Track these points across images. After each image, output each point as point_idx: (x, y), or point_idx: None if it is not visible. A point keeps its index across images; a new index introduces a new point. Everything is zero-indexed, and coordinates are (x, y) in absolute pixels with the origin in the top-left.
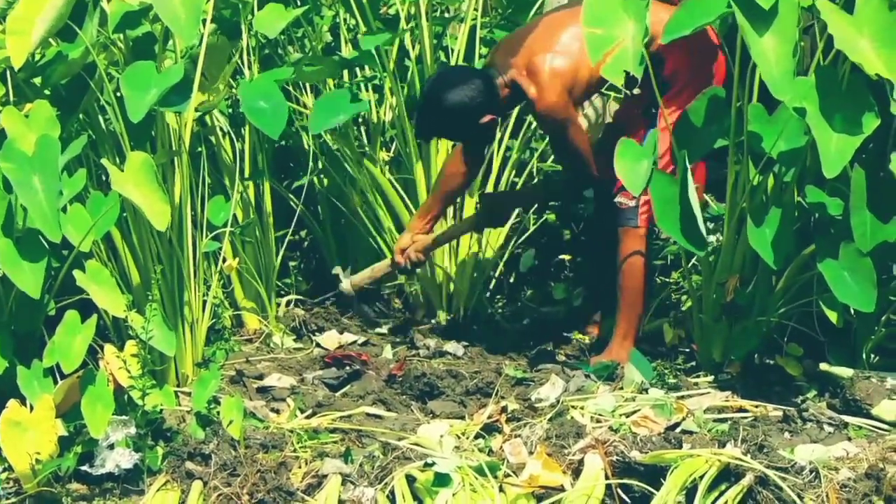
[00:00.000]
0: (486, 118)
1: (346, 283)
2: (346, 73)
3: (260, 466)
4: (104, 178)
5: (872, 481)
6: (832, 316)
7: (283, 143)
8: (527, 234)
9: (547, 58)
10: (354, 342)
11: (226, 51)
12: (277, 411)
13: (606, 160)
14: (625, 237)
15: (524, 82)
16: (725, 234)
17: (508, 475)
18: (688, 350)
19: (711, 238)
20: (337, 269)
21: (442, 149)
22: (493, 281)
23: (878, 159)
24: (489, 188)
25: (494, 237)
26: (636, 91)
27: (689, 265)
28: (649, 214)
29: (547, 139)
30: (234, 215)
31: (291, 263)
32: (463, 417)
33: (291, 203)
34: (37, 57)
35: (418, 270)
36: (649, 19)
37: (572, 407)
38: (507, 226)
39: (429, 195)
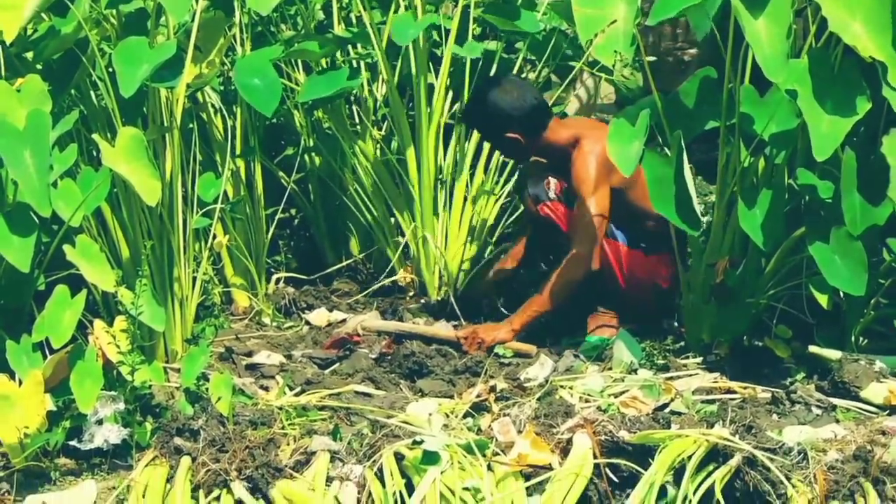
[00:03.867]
0: (513, 134)
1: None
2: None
3: (248, 443)
4: (95, 153)
5: (860, 463)
6: (821, 299)
7: (274, 120)
8: (518, 213)
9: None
10: (343, 320)
11: (220, 25)
12: (266, 388)
13: None
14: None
15: (582, 134)
16: (716, 216)
17: (497, 454)
18: (677, 331)
19: (703, 220)
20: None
21: (434, 129)
22: (484, 261)
23: (869, 142)
24: None
25: (486, 216)
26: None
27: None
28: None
29: None
30: (225, 192)
31: (281, 241)
32: (452, 396)
33: (282, 181)
34: (29, 31)
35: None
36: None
37: (561, 387)
38: (497, 206)
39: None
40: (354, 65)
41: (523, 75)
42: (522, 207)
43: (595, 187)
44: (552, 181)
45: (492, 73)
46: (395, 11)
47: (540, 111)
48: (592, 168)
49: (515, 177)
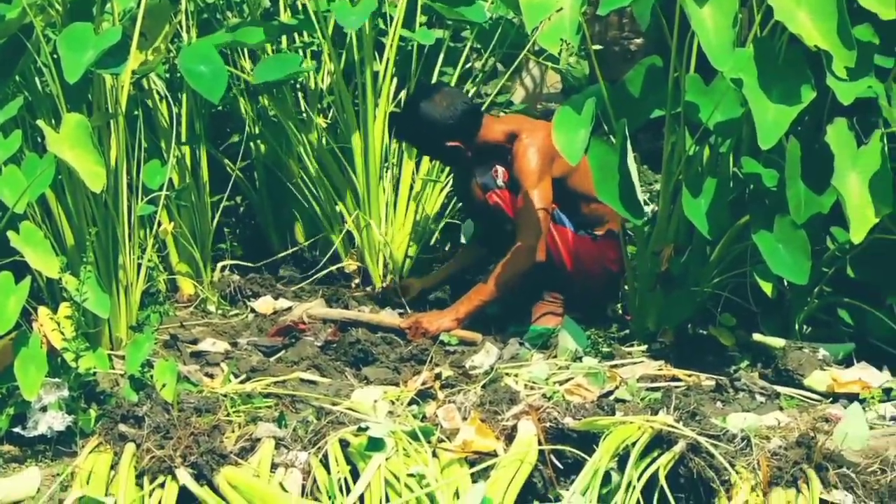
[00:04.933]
0: (452, 143)
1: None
2: (283, 38)
3: (193, 429)
4: (40, 140)
5: (803, 449)
6: (766, 287)
7: (220, 108)
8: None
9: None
10: (289, 308)
11: (166, 12)
12: (211, 376)
13: None
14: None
15: (519, 129)
16: (661, 204)
17: (442, 440)
18: (622, 319)
19: (648, 208)
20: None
21: (380, 117)
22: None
23: (813, 131)
24: None
25: (430, 205)
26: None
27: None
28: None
29: None
30: (171, 179)
31: (227, 229)
32: (397, 384)
33: (228, 168)
34: None
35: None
36: None
37: (506, 374)
38: (442, 195)
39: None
40: (301, 52)
41: (469, 64)
42: (460, 203)
43: (538, 179)
44: (500, 169)
45: (438, 62)
46: None
47: (472, 114)
48: (533, 160)
49: (447, 172)
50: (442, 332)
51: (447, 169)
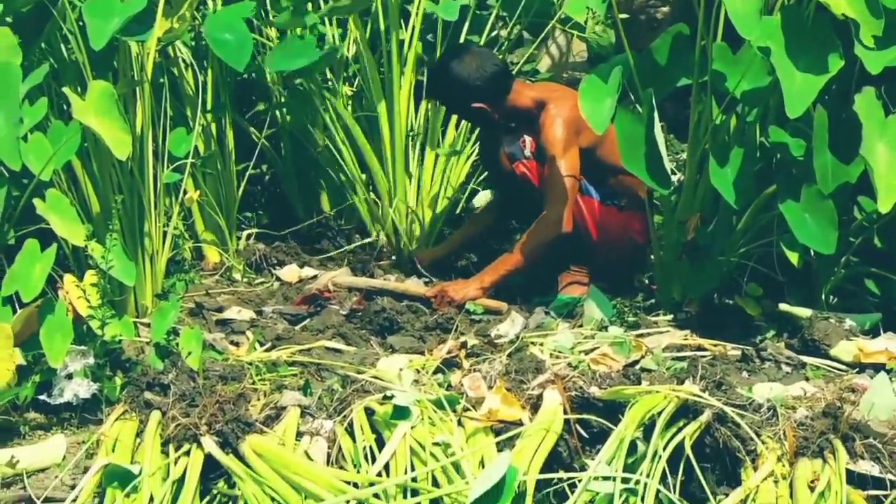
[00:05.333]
0: (478, 104)
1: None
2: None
3: (219, 397)
4: (66, 107)
5: (829, 419)
6: (792, 257)
7: (245, 76)
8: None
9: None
10: (314, 276)
11: None
12: (237, 344)
13: None
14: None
15: (548, 97)
16: (687, 174)
17: (467, 409)
18: (648, 289)
19: (674, 178)
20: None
21: (405, 85)
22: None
23: (841, 101)
24: None
25: (455, 175)
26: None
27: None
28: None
29: None
30: (196, 147)
31: (252, 197)
32: (422, 353)
33: (253, 137)
34: None
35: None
36: None
37: (532, 343)
38: (468, 164)
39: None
40: (326, 21)
41: (495, 32)
42: (484, 172)
43: (564, 149)
44: (527, 139)
45: (464, 30)
46: None
47: (501, 77)
48: (560, 130)
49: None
50: (468, 300)
51: (472, 139)
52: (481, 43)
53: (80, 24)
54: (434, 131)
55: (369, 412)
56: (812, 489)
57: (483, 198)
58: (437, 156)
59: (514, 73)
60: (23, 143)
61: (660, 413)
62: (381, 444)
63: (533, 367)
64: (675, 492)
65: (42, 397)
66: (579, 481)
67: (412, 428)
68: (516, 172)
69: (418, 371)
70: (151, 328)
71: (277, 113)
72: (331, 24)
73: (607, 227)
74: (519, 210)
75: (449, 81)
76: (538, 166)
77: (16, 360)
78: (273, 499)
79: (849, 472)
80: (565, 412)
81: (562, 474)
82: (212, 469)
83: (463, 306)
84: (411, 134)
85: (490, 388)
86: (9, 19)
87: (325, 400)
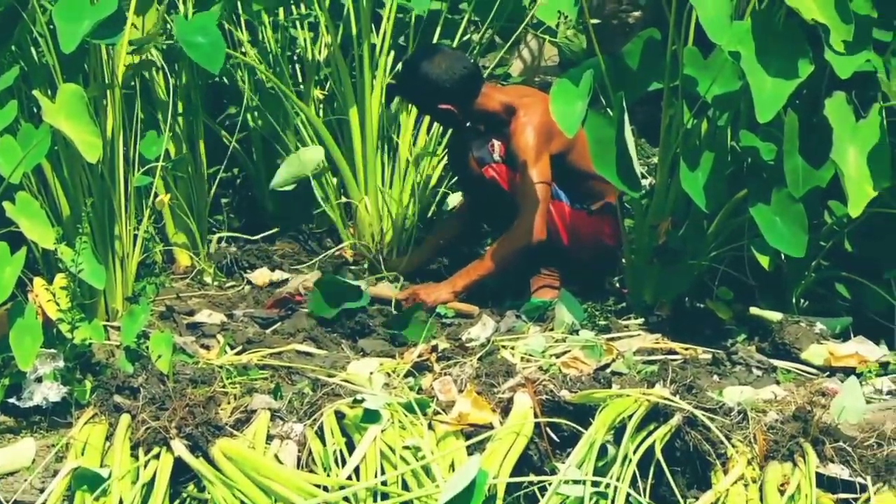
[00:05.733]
0: (445, 105)
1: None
2: (280, 10)
3: (189, 401)
4: (36, 110)
5: (800, 423)
6: (763, 260)
7: (217, 79)
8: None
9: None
10: (285, 280)
11: None
12: (207, 347)
13: None
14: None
15: (518, 103)
16: (658, 178)
17: (438, 413)
18: (619, 292)
19: (645, 181)
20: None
21: (377, 90)
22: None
23: (811, 105)
24: None
25: (426, 178)
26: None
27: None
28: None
29: None
30: (167, 150)
31: (224, 200)
32: (393, 356)
33: (224, 140)
34: None
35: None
36: None
37: (503, 347)
38: (440, 167)
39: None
40: (297, 25)
41: (467, 36)
42: (454, 176)
43: (536, 157)
44: (496, 143)
45: (436, 34)
46: None
47: (471, 80)
48: (532, 137)
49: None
50: (439, 304)
51: (443, 143)
52: (454, 47)
53: (51, 27)
54: (405, 135)
55: (340, 416)
56: (782, 493)
57: (456, 200)
58: (408, 160)
59: (484, 76)
60: None
61: (630, 416)
62: (351, 447)
63: (504, 370)
64: (645, 495)
65: (11, 400)
66: (549, 485)
67: (382, 431)
68: (485, 176)
69: (389, 375)
70: (122, 331)
71: (249, 116)
72: (302, 27)
73: (578, 231)
74: (488, 214)
75: (417, 81)
76: (507, 170)
77: None
78: (243, 502)
79: (819, 475)
80: (536, 416)
81: (532, 478)
82: (182, 472)
83: (434, 309)
84: (383, 137)
85: (461, 391)
86: None
87: (296, 403)
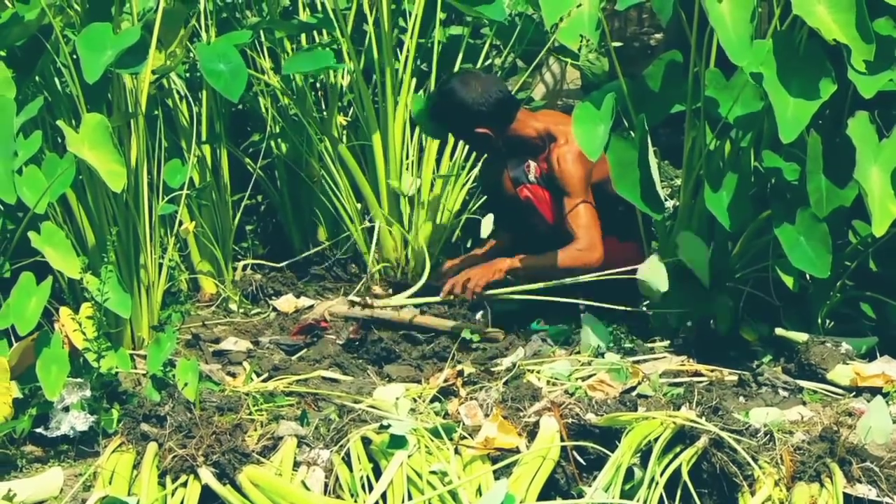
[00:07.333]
0: (482, 130)
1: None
2: (303, 36)
3: (215, 428)
4: (60, 140)
5: (826, 443)
6: (788, 281)
7: (240, 106)
8: (485, 199)
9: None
10: (311, 306)
11: (182, 15)
12: (233, 375)
13: None
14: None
15: (555, 130)
16: (682, 199)
17: (464, 437)
18: (644, 315)
19: (669, 203)
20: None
21: (400, 115)
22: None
23: (834, 125)
24: None
25: (451, 201)
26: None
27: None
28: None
29: None
30: (191, 178)
31: (248, 227)
32: (419, 381)
33: (248, 167)
34: None
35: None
36: None
37: (528, 371)
38: (464, 191)
39: None
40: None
41: (489, 61)
42: (485, 196)
43: (582, 184)
44: (532, 164)
45: (458, 59)
46: None
47: (506, 104)
48: (577, 168)
49: (479, 165)
50: (493, 280)
51: (466, 167)
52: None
53: (74, 56)
54: (429, 160)
55: (366, 441)
56: None
57: (487, 223)
58: (432, 184)
59: (518, 101)
60: (17, 176)
61: (656, 439)
62: (378, 473)
63: (529, 394)
64: None
65: (39, 430)
66: None
67: (409, 457)
68: (520, 196)
69: (415, 400)
70: (148, 360)
71: (272, 143)
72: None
73: (608, 258)
74: (519, 234)
75: (454, 105)
76: (542, 192)
77: (12, 394)
78: None
79: (846, 496)
80: (562, 439)
81: (559, 502)
82: (209, 500)
83: (486, 289)
84: (406, 163)
85: (487, 415)
86: (2, 53)
87: (322, 430)
